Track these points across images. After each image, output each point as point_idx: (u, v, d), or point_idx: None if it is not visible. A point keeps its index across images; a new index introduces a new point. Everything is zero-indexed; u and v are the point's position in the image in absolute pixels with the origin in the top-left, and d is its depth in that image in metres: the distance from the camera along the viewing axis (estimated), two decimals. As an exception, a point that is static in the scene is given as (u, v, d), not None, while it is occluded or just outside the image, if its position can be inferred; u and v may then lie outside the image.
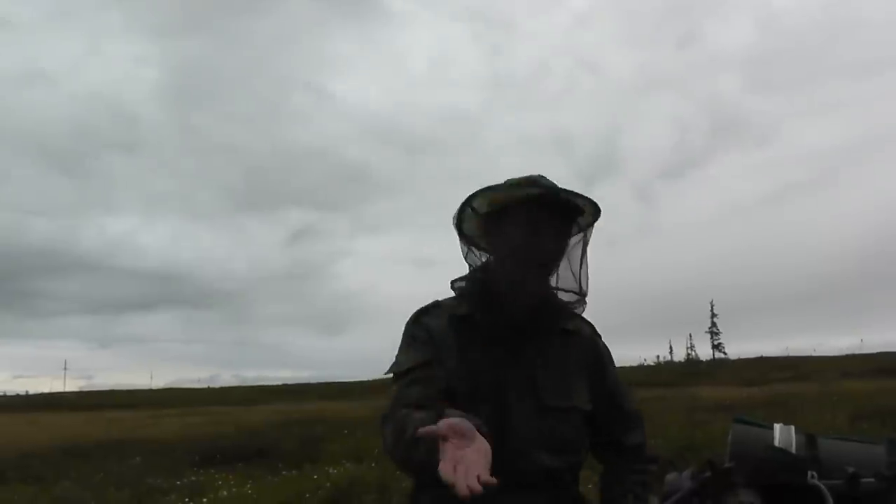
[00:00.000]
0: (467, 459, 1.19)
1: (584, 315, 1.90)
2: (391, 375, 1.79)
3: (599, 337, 1.91)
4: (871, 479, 1.53)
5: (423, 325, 1.81)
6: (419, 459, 1.38)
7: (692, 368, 30.49)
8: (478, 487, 1.11)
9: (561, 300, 1.82)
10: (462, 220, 1.82)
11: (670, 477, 1.63)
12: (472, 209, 1.80)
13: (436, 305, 1.86)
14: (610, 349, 1.93)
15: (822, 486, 1.51)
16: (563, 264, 1.82)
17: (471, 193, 1.76)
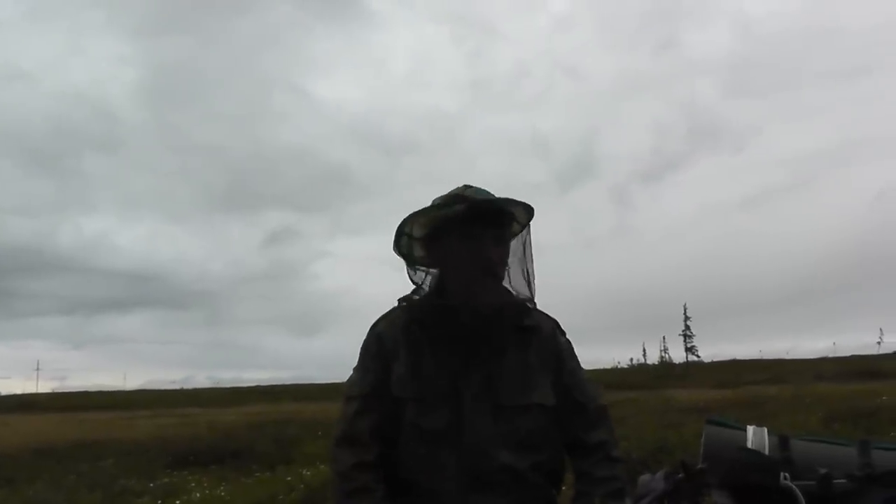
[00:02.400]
0: None
1: (549, 312, 1.91)
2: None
3: (563, 333, 1.91)
4: (844, 480, 1.53)
5: (376, 333, 1.85)
6: None
7: (665, 371, 30.54)
8: None
9: (517, 301, 1.83)
10: (401, 246, 1.84)
11: (643, 478, 1.63)
12: (408, 235, 1.82)
13: (396, 307, 1.88)
14: (574, 346, 1.92)
15: (795, 488, 1.52)
16: (513, 268, 1.84)
17: (403, 220, 1.79)
